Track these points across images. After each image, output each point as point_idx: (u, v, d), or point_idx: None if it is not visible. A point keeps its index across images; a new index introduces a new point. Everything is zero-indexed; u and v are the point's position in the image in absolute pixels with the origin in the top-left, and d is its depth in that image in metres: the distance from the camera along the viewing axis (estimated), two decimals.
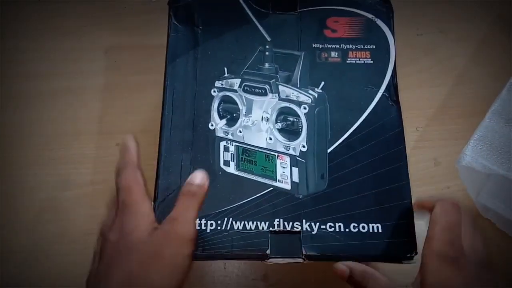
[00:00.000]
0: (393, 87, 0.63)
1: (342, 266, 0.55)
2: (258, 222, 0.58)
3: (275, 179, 0.61)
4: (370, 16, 0.66)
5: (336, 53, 0.64)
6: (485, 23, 0.94)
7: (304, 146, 0.60)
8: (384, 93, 0.63)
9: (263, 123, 0.62)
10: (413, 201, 0.59)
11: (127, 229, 0.51)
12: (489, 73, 0.90)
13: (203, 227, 0.57)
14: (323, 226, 0.58)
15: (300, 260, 0.57)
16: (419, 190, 0.76)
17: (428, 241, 0.52)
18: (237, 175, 0.61)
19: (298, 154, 0.61)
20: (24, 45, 0.93)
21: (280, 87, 0.61)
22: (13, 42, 0.94)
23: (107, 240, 0.53)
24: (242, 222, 0.58)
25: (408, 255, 0.56)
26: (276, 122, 0.61)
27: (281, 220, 0.58)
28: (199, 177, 0.54)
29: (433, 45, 0.92)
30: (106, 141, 0.84)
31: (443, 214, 0.53)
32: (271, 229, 0.57)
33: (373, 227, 0.58)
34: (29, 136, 0.85)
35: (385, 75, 0.64)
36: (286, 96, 0.61)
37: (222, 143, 0.62)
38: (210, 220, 0.58)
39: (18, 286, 0.76)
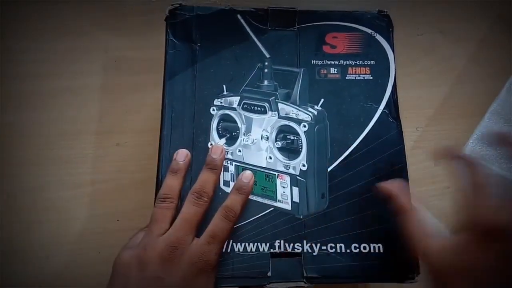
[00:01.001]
0: (393, 104, 0.63)
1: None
2: (259, 244, 0.58)
3: (275, 199, 0.61)
4: (369, 31, 0.65)
5: (336, 70, 0.64)
6: (485, 23, 0.94)
7: (304, 165, 0.60)
8: (385, 110, 0.62)
9: (263, 142, 0.61)
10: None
11: None
12: (488, 73, 0.89)
13: None
14: (324, 247, 0.58)
15: (302, 283, 0.57)
16: (419, 190, 0.77)
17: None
18: None
19: (298, 173, 0.60)
20: (24, 45, 0.93)
21: (280, 105, 0.61)
22: (13, 42, 0.93)
23: None
24: (243, 244, 0.58)
25: (410, 275, 0.57)
26: (276, 140, 0.61)
27: (282, 241, 0.58)
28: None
29: (433, 45, 0.92)
30: (106, 141, 0.84)
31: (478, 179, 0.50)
32: (271, 250, 0.58)
33: (374, 247, 0.58)
34: (29, 136, 0.85)
35: (385, 91, 0.63)
36: (286, 114, 0.61)
37: None
38: None
39: (18, 286, 0.77)
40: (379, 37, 0.65)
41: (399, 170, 0.60)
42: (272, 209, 0.60)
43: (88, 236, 0.79)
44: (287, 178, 0.61)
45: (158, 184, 0.61)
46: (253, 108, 0.62)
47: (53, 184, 0.81)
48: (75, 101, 0.87)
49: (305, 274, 0.57)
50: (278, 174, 0.61)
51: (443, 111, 0.86)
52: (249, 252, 0.58)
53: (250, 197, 0.60)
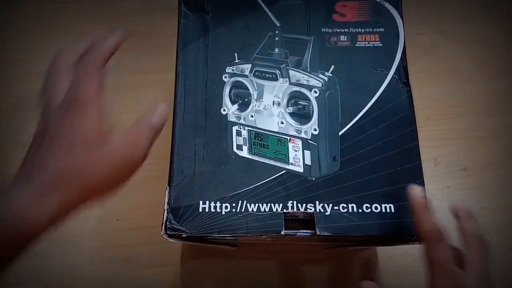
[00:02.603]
0: (403, 70, 0.63)
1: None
2: (272, 204, 0.58)
3: (287, 162, 0.61)
4: None
5: (345, 37, 0.65)
6: (485, 23, 0.95)
7: (315, 130, 0.61)
8: (394, 76, 0.63)
9: (275, 108, 0.62)
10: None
11: (75, 128, 0.49)
12: (489, 73, 0.91)
13: (218, 210, 0.58)
14: (336, 207, 0.58)
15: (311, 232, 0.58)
16: None
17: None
18: (250, 158, 0.62)
19: (309, 137, 0.61)
20: (24, 45, 0.94)
21: (291, 72, 0.62)
22: (13, 42, 0.94)
23: (49, 129, 0.51)
24: (257, 204, 0.58)
25: None
26: (287, 106, 0.62)
27: (295, 202, 0.58)
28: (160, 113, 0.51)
29: (433, 45, 0.93)
30: None
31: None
32: (285, 210, 0.58)
33: (385, 207, 0.58)
34: (29, 136, 0.86)
35: (395, 57, 0.64)
36: (297, 81, 0.62)
37: (235, 128, 0.63)
38: (225, 203, 0.58)
39: (18, 286, 0.77)
40: (388, 5, 0.66)
41: (409, 134, 0.61)
42: (284, 171, 0.61)
43: (88, 236, 0.79)
44: (299, 142, 0.62)
45: (173, 149, 0.61)
46: (264, 75, 0.63)
47: None
48: None
49: (318, 233, 0.57)
50: (290, 138, 0.62)
51: (443, 111, 0.88)
52: (262, 212, 0.58)
53: (263, 160, 0.62)
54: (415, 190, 0.56)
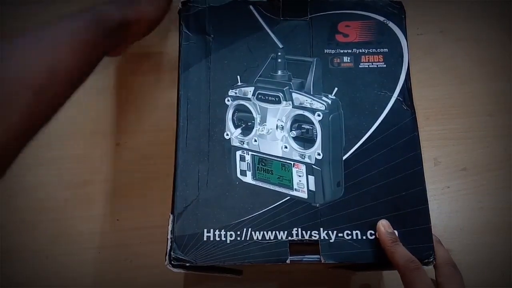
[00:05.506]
0: (407, 91, 0.63)
1: None
2: (277, 232, 0.58)
3: (291, 188, 0.61)
4: (382, 19, 0.65)
5: (349, 58, 0.64)
6: (485, 23, 0.94)
7: (319, 154, 0.60)
8: (398, 98, 0.62)
9: (278, 132, 0.62)
10: None
11: None
12: (489, 73, 0.90)
13: (222, 238, 0.58)
14: (340, 234, 0.58)
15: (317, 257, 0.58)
16: None
17: None
18: (254, 184, 0.62)
19: (313, 162, 0.61)
20: None
21: (294, 95, 0.61)
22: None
23: None
24: (261, 232, 0.58)
25: (426, 260, 0.57)
26: (291, 130, 0.61)
27: (299, 229, 0.58)
28: None
29: (433, 45, 0.92)
30: (106, 141, 0.85)
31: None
32: (290, 238, 0.58)
33: None
34: None
35: (399, 78, 0.63)
36: (300, 104, 0.61)
37: (238, 153, 0.63)
38: (230, 231, 0.58)
39: (18, 286, 0.77)
40: (391, 25, 0.65)
41: (414, 158, 0.61)
42: (288, 197, 0.60)
43: (88, 236, 0.79)
44: (303, 167, 0.61)
45: (176, 175, 0.61)
46: (268, 98, 0.62)
47: (52, 184, 0.82)
48: (75, 101, 0.88)
49: (322, 261, 0.57)
50: (294, 163, 0.62)
51: (443, 111, 0.87)
52: (267, 240, 0.58)
53: (267, 186, 0.61)
54: (383, 225, 0.58)
